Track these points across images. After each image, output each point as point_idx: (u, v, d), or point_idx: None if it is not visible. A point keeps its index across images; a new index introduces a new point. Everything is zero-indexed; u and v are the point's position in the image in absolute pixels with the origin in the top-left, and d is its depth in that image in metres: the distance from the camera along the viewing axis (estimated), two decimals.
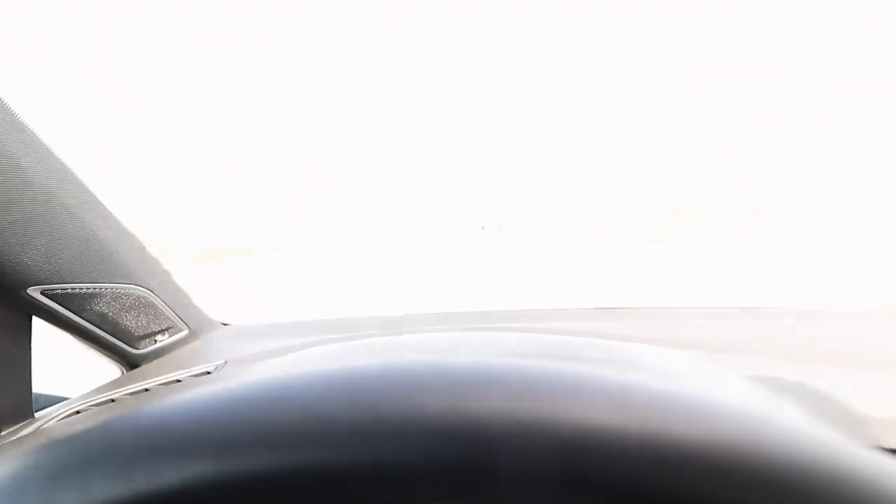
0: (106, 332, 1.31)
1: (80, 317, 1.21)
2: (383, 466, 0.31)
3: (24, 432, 1.04)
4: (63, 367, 1.46)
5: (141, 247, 1.41)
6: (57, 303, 1.12)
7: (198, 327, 1.62)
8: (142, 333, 1.43)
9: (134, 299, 1.34)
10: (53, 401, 1.28)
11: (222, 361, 1.35)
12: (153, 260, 1.45)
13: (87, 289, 1.20)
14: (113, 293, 1.28)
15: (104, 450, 0.39)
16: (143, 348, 1.46)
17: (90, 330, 1.28)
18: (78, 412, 1.12)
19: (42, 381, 1.49)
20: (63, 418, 1.11)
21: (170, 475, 0.34)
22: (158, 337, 1.49)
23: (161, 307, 1.44)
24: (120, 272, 1.30)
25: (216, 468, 0.34)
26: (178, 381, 1.23)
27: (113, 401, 1.15)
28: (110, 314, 1.28)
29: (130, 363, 1.44)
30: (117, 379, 1.38)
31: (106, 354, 1.38)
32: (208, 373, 1.24)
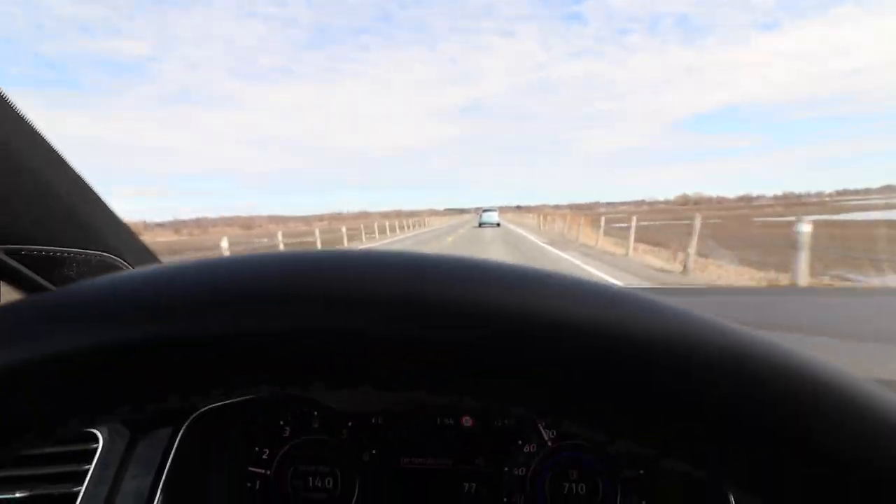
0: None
1: (48, 281, 1.19)
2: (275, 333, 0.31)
3: None
4: None
5: (113, 215, 1.39)
6: (23, 265, 1.10)
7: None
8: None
9: (105, 268, 1.32)
10: None
11: None
12: (126, 229, 1.43)
13: (54, 252, 1.19)
14: (83, 260, 1.27)
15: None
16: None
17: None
18: None
19: None
20: None
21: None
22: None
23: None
24: (90, 239, 1.29)
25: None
26: None
27: None
28: (73, 277, 1.26)
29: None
30: None
31: None
32: None
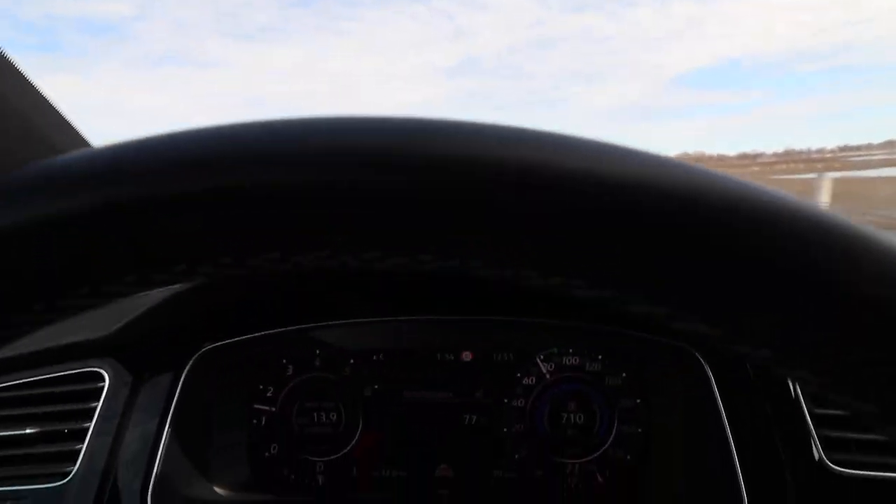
0: None
1: None
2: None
3: None
4: None
5: (67, 123, 1.38)
6: None
7: None
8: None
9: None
10: None
11: None
12: (83, 139, 1.41)
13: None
14: None
15: None
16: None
17: None
18: None
19: None
20: None
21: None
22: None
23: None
24: (44, 146, 1.27)
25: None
26: None
27: None
28: None
29: None
30: None
31: None
32: None
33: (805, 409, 0.95)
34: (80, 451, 1.02)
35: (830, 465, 0.91)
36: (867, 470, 0.91)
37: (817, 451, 0.92)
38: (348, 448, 1.17)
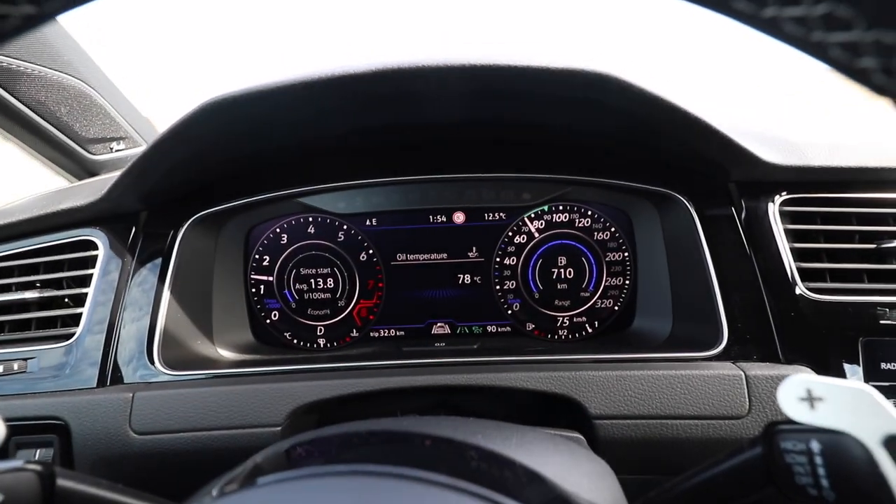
0: (49, 123, 1.25)
1: (19, 100, 1.14)
2: None
3: None
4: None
5: (78, 46, 1.31)
6: None
7: None
8: (94, 136, 1.38)
9: (75, 92, 1.26)
10: None
11: None
12: (94, 65, 1.35)
13: (22, 67, 1.13)
14: (51, 79, 1.21)
15: None
16: (98, 154, 1.41)
17: (33, 120, 1.22)
18: None
19: None
20: None
21: None
22: (114, 145, 1.43)
23: (110, 111, 1.37)
24: (54, 60, 1.22)
25: None
26: None
27: None
28: (50, 103, 1.22)
29: (87, 170, 1.40)
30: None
31: (60, 162, 1.33)
32: None
33: (785, 244, 0.99)
34: (80, 315, 1.04)
35: (808, 293, 0.96)
36: (840, 296, 0.96)
37: (795, 282, 0.97)
38: (346, 311, 1.21)
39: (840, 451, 0.39)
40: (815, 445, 0.40)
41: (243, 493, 0.41)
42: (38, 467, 0.51)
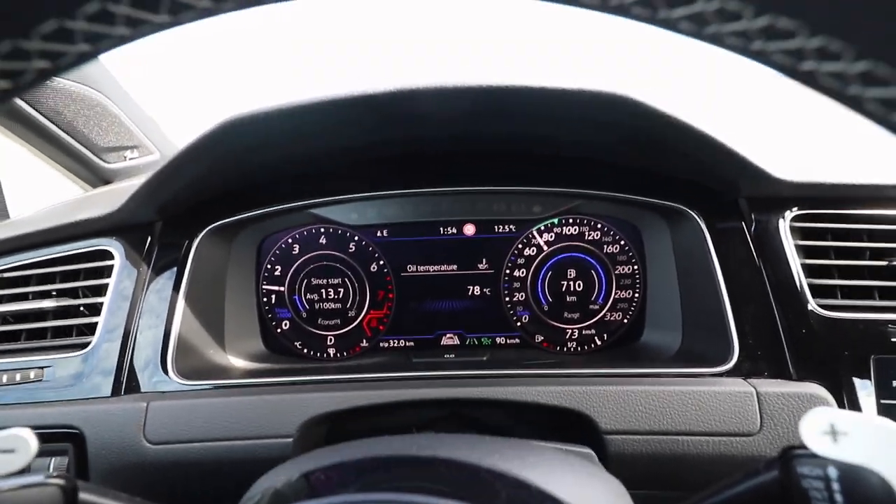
0: (66, 132, 1.27)
1: (37, 110, 1.16)
2: None
3: None
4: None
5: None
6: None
7: (168, 153, 1.58)
8: (108, 145, 1.39)
9: (91, 102, 1.28)
10: None
11: None
12: (109, 75, 1.37)
13: None
14: (68, 89, 1.22)
15: None
16: (112, 163, 1.43)
17: (51, 130, 1.24)
18: None
19: None
20: None
21: None
22: (128, 154, 1.45)
23: (125, 121, 1.38)
24: (73, 71, 1.24)
25: None
26: None
27: None
28: (67, 113, 1.23)
29: (102, 178, 1.42)
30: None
31: (75, 170, 1.35)
32: None
33: (795, 259, 0.99)
34: (96, 324, 1.05)
35: (819, 310, 0.96)
36: (851, 313, 0.96)
37: (806, 298, 0.97)
38: (356, 322, 1.22)
39: (858, 479, 0.39)
40: (833, 472, 0.41)
41: None
42: (61, 481, 0.52)
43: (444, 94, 0.82)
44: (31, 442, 0.51)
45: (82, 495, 0.53)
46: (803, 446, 0.43)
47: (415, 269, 1.21)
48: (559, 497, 0.47)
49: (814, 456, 0.42)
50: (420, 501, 0.40)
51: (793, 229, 1.01)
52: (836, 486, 0.40)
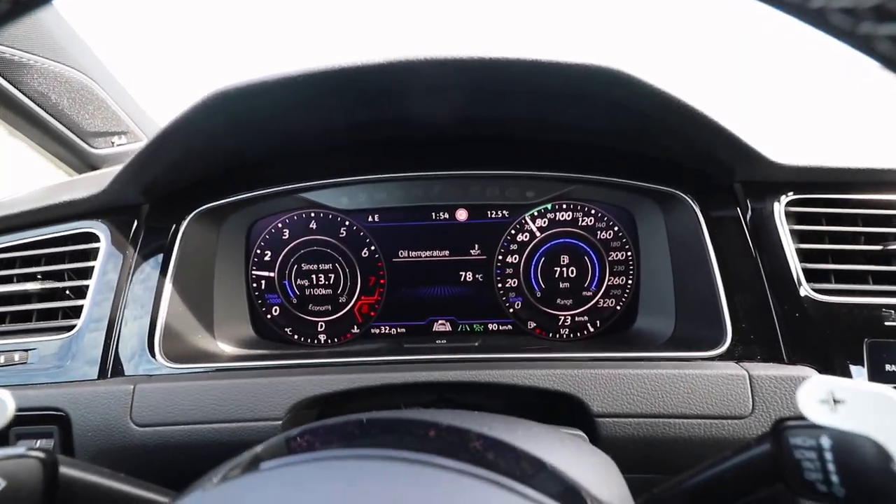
0: (51, 115, 1.25)
1: (21, 91, 1.14)
2: None
3: None
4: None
5: (81, 40, 1.31)
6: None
7: None
8: (95, 130, 1.37)
9: (78, 85, 1.26)
10: None
11: None
12: (96, 59, 1.35)
13: (24, 58, 1.13)
14: (53, 71, 1.20)
15: None
16: (99, 148, 1.41)
17: (35, 112, 1.22)
18: None
19: None
20: None
21: None
22: (115, 139, 1.43)
23: (112, 105, 1.36)
24: (56, 52, 1.21)
25: None
26: None
27: None
28: (52, 95, 1.21)
29: (89, 164, 1.40)
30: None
31: (61, 155, 1.33)
32: None
33: (790, 244, 0.98)
34: (81, 307, 1.03)
35: (813, 294, 0.95)
36: (845, 297, 0.96)
37: (800, 283, 0.96)
38: (347, 308, 1.21)
39: (851, 448, 0.39)
40: (826, 442, 0.40)
41: (245, 478, 0.41)
42: (40, 454, 0.51)
43: (433, 65, 0.81)
44: (9, 403, 0.50)
45: (63, 469, 0.52)
46: (796, 418, 0.43)
47: (406, 255, 1.19)
48: (551, 465, 0.46)
49: (806, 426, 0.42)
50: (405, 457, 0.39)
51: (787, 214, 1.01)
52: (828, 455, 0.40)
